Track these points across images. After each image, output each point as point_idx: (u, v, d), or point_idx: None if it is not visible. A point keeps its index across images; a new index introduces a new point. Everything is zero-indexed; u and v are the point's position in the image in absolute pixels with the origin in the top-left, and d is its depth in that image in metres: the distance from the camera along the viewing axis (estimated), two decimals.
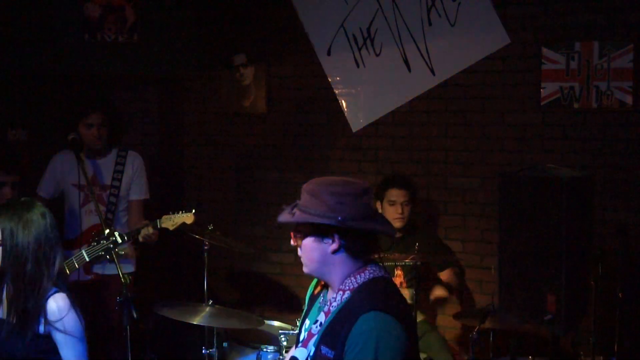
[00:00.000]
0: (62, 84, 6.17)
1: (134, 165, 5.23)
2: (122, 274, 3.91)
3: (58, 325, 3.35)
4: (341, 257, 2.79)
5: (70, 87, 6.20)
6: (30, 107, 6.00)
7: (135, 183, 5.23)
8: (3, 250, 3.29)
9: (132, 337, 3.81)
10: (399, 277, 5.24)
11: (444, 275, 5.41)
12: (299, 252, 2.87)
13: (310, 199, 2.77)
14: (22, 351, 3.32)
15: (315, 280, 3.08)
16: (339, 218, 2.70)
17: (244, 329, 4.79)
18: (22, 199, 3.48)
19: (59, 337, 3.37)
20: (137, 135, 6.63)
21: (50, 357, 3.43)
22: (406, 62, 5.77)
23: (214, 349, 4.68)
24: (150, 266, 6.32)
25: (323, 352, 2.73)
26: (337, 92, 6.04)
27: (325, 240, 2.77)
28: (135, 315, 3.68)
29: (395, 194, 5.23)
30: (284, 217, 2.82)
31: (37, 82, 6.05)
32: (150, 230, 4.83)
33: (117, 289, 4.78)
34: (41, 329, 3.34)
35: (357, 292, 2.75)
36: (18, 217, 3.32)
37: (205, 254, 4.85)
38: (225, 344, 4.78)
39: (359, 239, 2.78)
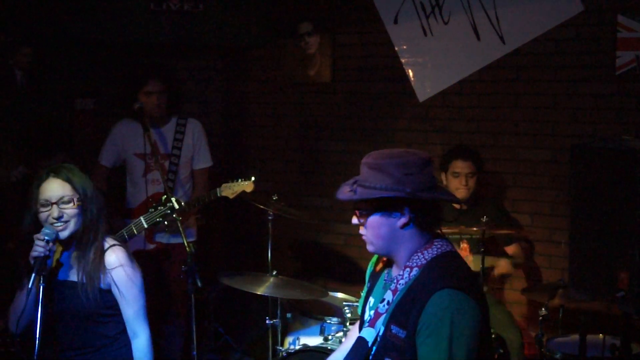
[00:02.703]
0: (128, 52, 6.25)
1: (195, 133, 5.27)
2: (187, 242, 3.96)
3: (115, 274, 3.44)
4: (410, 231, 2.74)
5: (136, 56, 6.28)
6: (97, 76, 6.09)
7: (197, 152, 5.28)
8: (83, 208, 3.40)
9: (196, 306, 3.86)
10: (464, 250, 5.19)
11: (511, 249, 5.36)
12: (362, 230, 2.82)
13: (374, 173, 2.71)
14: (90, 307, 3.42)
15: (374, 258, 3.05)
16: (408, 190, 2.66)
17: (307, 300, 4.80)
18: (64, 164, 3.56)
19: (117, 289, 3.46)
20: (200, 104, 6.68)
21: (116, 314, 3.53)
22: (475, 30, 5.68)
23: (277, 320, 4.71)
24: (215, 236, 6.41)
25: (393, 331, 2.69)
26: (403, 61, 5.99)
27: (394, 215, 2.72)
28: (199, 284, 3.72)
29: (460, 166, 5.18)
30: (345, 194, 2.77)
31: (103, 51, 6.13)
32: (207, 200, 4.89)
33: (180, 258, 4.88)
34: (102, 283, 3.43)
35: (426, 269, 2.70)
36: (80, 175, 3.44)
37: (270, 224, 4.88)
38: (288, 315, 4.82)
39: (428, 211, 2.73)
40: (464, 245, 5.19)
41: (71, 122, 5.95)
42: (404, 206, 2.70)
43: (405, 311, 2.67)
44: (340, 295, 5.00)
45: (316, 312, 4.74)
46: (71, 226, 3.38)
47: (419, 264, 2.72)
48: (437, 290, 2.60)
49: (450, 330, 2.56)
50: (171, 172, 5.12)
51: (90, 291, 3.40)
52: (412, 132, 6.04)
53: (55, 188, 3.38)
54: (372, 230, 2.78)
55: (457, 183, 5.16)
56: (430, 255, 2.73)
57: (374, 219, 2.76)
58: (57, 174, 3.41)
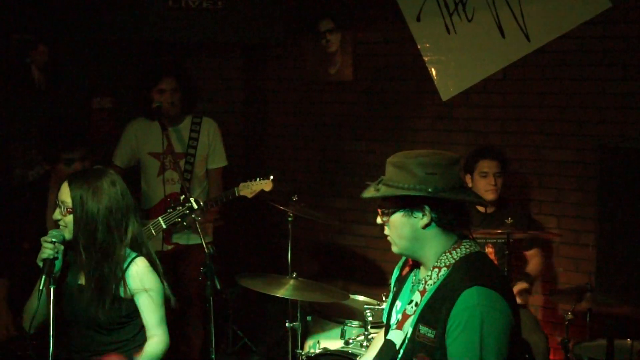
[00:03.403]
0: (146, 51, 6.27)
1: (210, 132, 5.26)
2: (205, 243, 3.96)
3: (137, 287, 3.46)
4: (433, 232, 2.75)
5: (155, 55, 6.30)
6: (115, 75, 6.11)
7: (213, 151, 5.28)
8: (74, 218, 3.39)
9: (214, 308, 3.87)
10: (489, 254, 5.17)
11: (530, 254, 5.35)
12: (386, 230, 2.84)
13: (398, 172, 2.73)
14: (103, 316, 3.43)
15: (400, 262, 3.06)
16: (430, 190, 2.66)
17: (328, 302, 4.78)
18: (94, 167, 3.58)
19: (139, 300, 3.48)
20: (219, 103, 6.69)
21: (132, 320, 3.54)
22: (500, 27, 5.65)
23: (297, 323, 4.71)
24: (234, 237, 6.42)
25: (422, 332, 2.70)
26: (426, 59, 5.97)
27: (415, 214, 2.73)
28: (218, 286, 3.72)
29: (488, 165, 5.15)
30: (369, 192, 2.79)
31: (121, 49, 6.15)
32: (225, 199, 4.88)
33: (198, 259, 4.89)
34: (122, 292, 3.45)
35: (455, 268, 2.71)
36: (88, 184, 3.42)
37: (289, 226, 4.87)
38: (308, 318, 4.81)
39: (451, 212, 2.73)
40: (489, 249, 5.16)
41: (88, 122, 5.96)
42: (425, 206, 2.72)
43: (434, 311, 2.67)
44: (361, 298, 5.00)
45: (337, 315, 4.73)
46: (68, 232, 3.42)
47: (447, 264, 2.73)
48: (466, 289, 2.61)
49: (480, 329, 2.56)
50: (187, 172, 5.12)
51: (105, 301, 3.43)
52: (435, 132, 6.02)
53: (62, 192, 3.45)
54: (394, 229, 2.80)
55: (486, 183, 5.13)
56: (458, 255, 2.74)
57: (396, 218, 2.78)
58: (69, 179, 3.47)
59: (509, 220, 4.81)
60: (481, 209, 5.17)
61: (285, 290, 4.48)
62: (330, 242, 6.52)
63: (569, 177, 5.56)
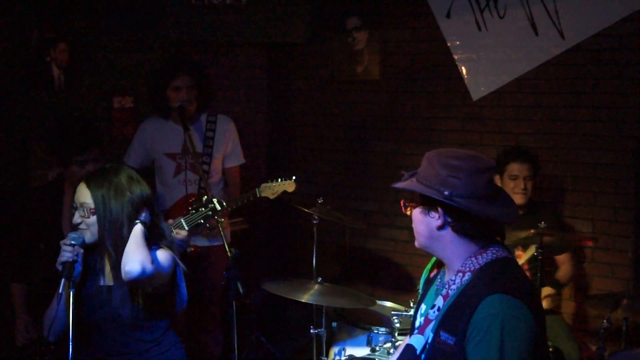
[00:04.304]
0: (168, 49, 6.30)
1: (226, 130, 5.25)
2: (228, 246, 3.96)
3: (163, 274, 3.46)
4: (449, 235, 2.75)
5: (177, 53, 6.32)
6: (136, 73, 6.14)
7: (230, 150, 5.27)
8: (98, 218, 3.40)
9: (237, 313, 3.87)
10: (519, 258, 5.13)
11: (561, 259, 5.31)
12: (413, 224, 2.87)
13: (426, 168, 2.75)
14: (130, 314, 3.45)
15: (430, 264, 3.05)
16: (446, 192, 2.66)
17: (354, 308, 4.77)
18: (108, 165, 3.59)
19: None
20: (243, 103, 6.71)
21: (160, 318, 3.57)
22: (533, 24, 5.62)
23: (322, 329, 4.69)
24: (257, 240, 6.42)
25: (442, 338, 2.69)
26: (456, 57, 5.95)
27: (431, 214, 2.75)
28: (241, 291, 3.73)
29: (517, 168, 5.13)
30: (399, 183, 2.82)
31: (143, 47, 6.18)
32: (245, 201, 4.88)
33: (219, 261, 4.89)
34: (149, 288, 3.45)
35: (478, 274, 2.70)
36: (108, 182, 3.42)
37: (315, 229, 4.87)
38: (334, 324, 4.80)
39: (466, 219, 2.71)
40: (519, 252, 5.13)
41: (109, 122, 6.00)
42: (440, 208, 2.72)
43: (455, 317, 2.66)
44: (388, 304, 4.98)
45: (363, 322, 4.71)
46: (89, 234, 3.43)
47: (471, 269, 2.72)
48: (488, 295, 2.60)
49: (500, 337, 2.54)
50: (204, 172, 5.11)
51: (138, 298, 3.44)
52: (465, 133, 6.00)
53: (80, 194, 3.44)
54: (414, 224, 2.84)
55: (515, 186, 5.11)
56: (484, 260, 2.72)
57: (415, 214, 2.82)
58: (86, 179, 3.47)
59: (542, 224, 4.77)
60: None
61: (309, 296, 4.47)
62: (357, 245, 6.51)
63: (605, 180, 5.51)
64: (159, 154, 5.17)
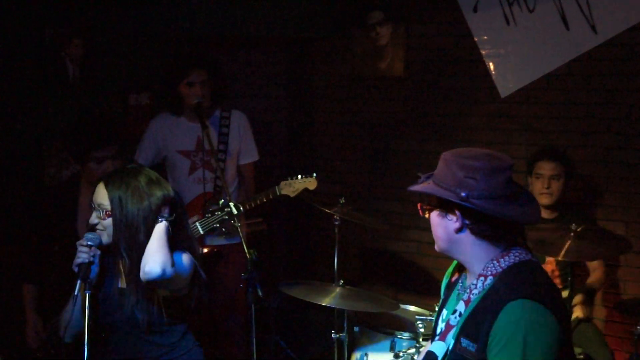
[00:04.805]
0: (185, 44, 6.30)
1: (240, 125, 5.24)
2: (247, 248, 3.94)
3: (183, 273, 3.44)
4: (469, 238, 2.73)
5: (193, 48, 6.32)
6: (152, 69, 6.14)
7: (245, 145, 5.27)
8: (113, 220, 3.39)
9: (256, 317, 3.86)
10: (550, 264, 5.11)
11: (593, 265, 5.26)
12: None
13: (442, 169, 2.74)
14: (146, 318, 3.43)
15: (451, 267, 3.03)
16: (463, 194, 2.64)
17: (377, 312, 4.76)
18: (129, 166, 3.58)
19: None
20: (263, 100, 6.71)
21: (177, 322, 3.56)
22: (564, 18, 5.59)
23: (343, 334, 4.68)
24: (276, 241, 6.41)
25: (464, 344, 2.67)
26: (483, 53, 5.94)
27: (449, 217, 2.73)
28: (260, 294, 3.71)
29: (543, 167, 5.11)
30: (415, 186, 2.81)
31: (159, 43, 6.18)
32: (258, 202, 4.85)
33: (237, 261, 4.87)
34: (166, 291, 3.45)
35: (501, 278, 2.67)
36: (126, 185, 3.41)
37: (336, 230, 4.84)
38: (356, 329, 4.79)
39: (486, 222, 2.68)
40: (550, 258, 5.09)
41: (125, 119, 6.00)
42: (457, 211, 2.70)
43: (476, 323, 2.64)
44: (412, 308, 4.97)
45: (386, 326, 4.70)
46: (106, 236, 3.42)
47: (493, 272, 2.70)
48: (510, 301, 2.57)
49: (523, 345, 2.52)
50: (219, 170, 5.08)
51: (152, 303, 3.43)
52: (492, 131, 5.98)
53: (98, 194, 3.44)
54: (432, 228, 2.83)
55: (540, 186, 5.10)
56: (506, 263, 2.69)
57: (433, 217, 2.81)
58: (105, 180, 3.47)
59: (574, 227, 4.72)
60: (542, 212, 5.10)
61: (331, 299, 4.46)
62: (380, 247, 6.49)
63: (639, 181, 5.47)
64: (172, 152, 5.16)
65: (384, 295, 4.89)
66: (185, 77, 5.00)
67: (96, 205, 3.43)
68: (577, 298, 4.98)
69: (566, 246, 4.59)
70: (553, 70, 5.70)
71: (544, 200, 5.06)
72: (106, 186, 3.42)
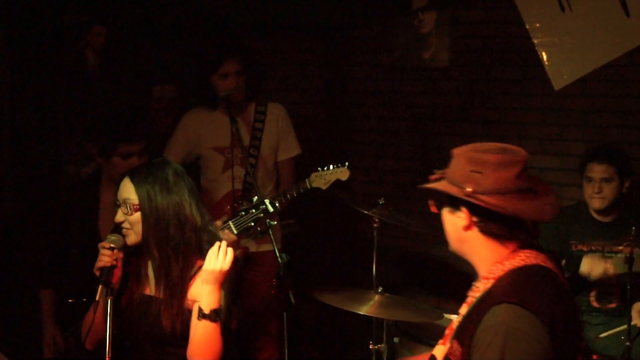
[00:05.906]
0: (213, 33, 6.29)
1: (277, 119, 5.23)
2: (278, 252, 3.92)
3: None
4: (477, 237, 2.71)
5: (222, 37, 6.31)
6: (178, 60, 6.14)
7: (283, 140, 5.26)
8: (142, 216, 3.40)
9: (288, 326, 3.84)
10: (607, 272, 5.06)
11: None
12: None
13: (453, 164, 2.75)
14: (172, 329, 3.41)
15: None
16: (469, 190, 2.61)
17: (418, 322, 4.75)
18: (154, 160, 3.60)
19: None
20: (296, 92, 6.72)
21: None
22: (623, 4, 5.52)
23: (382, 345, 4.65)
24: (310, 245, 6.40)
25: (454, 348, 2.70)
26: (536, 42, 5.88)
27: (458, 214, 2.72)
28: (293, 301, 3.69)
29: (594, 170, 5.04)
30: (426, 184, 2.83)
31: (186, 31, 6.19)
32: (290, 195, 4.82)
33: (269, 268, 4.86)
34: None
35: (499, 281, 2.65)
36: (153, 178, 3.43)
37: (375, 233, 4.82)
38: (395, 339, 4.75)
39: (495, 219, 2.65)
40: (607, 265, 5.03)
41: (148, 112, 6.01)
42: (463, 207, 2.68)
43: (466, 326, 2.67)
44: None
45: (428, 337, 4.64)
46: (133, 234, 3.44)
47: (495, 275, 2.68)
48: (495, 304, 2.55)
49: (501, 352, 2.47)
50: (250, 166, 5.06)
51: (176, 312, 3.41)
52: (545, 126, 5.94)
53: (124, 189, 3.45)
54: (444, 226, 2.83)
55: (590, 190, 5.04)
56: (510, 266, 2.67)
57: (444, 214, 2.81)
58: (130, 174, 3.48)
59: (633, 231, 4.64)
60: (596, 215, 5.06)
61: (369, 307, 4.44)
62: (422, 252, 6.47)
63: None
64: (206, 149, 5.17)
65: (426, 304, 4.90)
66: (218, 68, 4.99)
67: (121, 202, 3.44)
68: (637, 305, 4.91)
69: (623, 252, 4.55)
70: (612, 61, 5.64)
71: (595, 204, 5.02)
72: (132, 180, 3.44)
